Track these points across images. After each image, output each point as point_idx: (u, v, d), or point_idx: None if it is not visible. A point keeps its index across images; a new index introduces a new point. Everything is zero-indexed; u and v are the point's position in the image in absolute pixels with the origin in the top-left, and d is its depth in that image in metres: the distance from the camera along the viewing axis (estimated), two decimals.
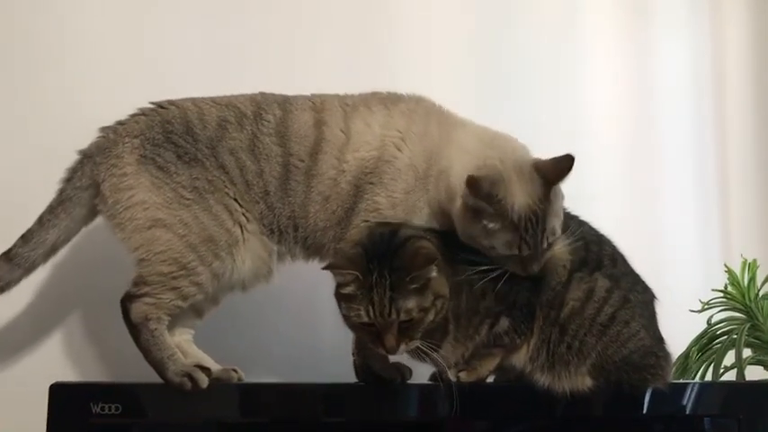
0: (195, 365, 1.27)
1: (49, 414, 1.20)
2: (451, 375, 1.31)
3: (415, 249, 1.24)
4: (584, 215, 1.41)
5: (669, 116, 2.08)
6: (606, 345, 1.31)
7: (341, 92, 1.42)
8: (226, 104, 1.38)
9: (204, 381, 1.24)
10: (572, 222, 1.36)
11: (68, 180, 1.36)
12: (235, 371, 1.35)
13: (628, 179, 2.02)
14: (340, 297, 1.25)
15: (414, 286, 1.21)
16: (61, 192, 1.36)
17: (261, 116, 1.36)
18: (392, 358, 1.29)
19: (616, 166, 2.01)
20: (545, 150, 1.87)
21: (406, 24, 1.91)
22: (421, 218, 1.34)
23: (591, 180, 1.94)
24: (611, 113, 2.03)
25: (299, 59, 1.76)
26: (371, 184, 1.33)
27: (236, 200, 1.32)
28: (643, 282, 1.39)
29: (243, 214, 1.32)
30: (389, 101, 1.39)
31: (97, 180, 1.32)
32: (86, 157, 1.35)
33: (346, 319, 1.25)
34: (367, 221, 1.32)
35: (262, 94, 1.41)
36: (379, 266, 1.22)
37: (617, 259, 1.37)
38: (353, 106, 1.38)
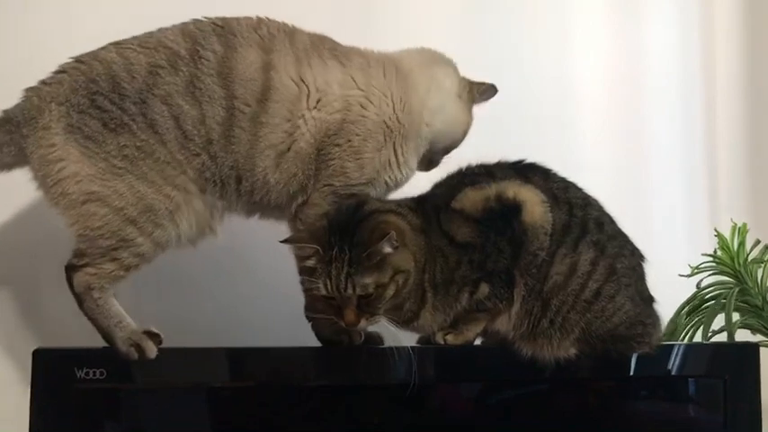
0: (144, 332, 1.24)
1: (32, 379, 1.20)
2: (438, 339, 1.31)
3: (375, 224, 1.24)
4: (572, 179, 1.40)
5: (657, 81, 2.07)
6: (590, 320, 1.30)
7: None
8: (155, 47, 1.26)
9: (152, 350, 1.22)
10: (555, 185, 1.35)
11: None
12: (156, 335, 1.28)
13: (616, 145, 2.01)
14: (303, 270, 1.25)
15: (370, 262, 1.21)
16: None
17: (198, 54, 1.25)
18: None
19: (604, 131, 2.01)
20: (533, 122, 1.90)
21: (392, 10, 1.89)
22: (392, 173, 1.34)
23: (578, 146, 1.95)
24: (599, 78, 2.02)
25: None
26: (337, 146, 1.30)
27: (169, 163, 1.24)
28: (631, 244, 1.38)
29: (179, 175, 1.24)
30: (343, 56, 1.34)
31: (26, 152, 1.25)
32: (12, 123, 1.25)
33: (308, 291, 1.26)
34: (331, 185, 1.30)
35: (195, 22, 1.29)
36: (339, 241, 1.22)
37: (603, 222, 1.35)
38: (305, 52, 1.30)
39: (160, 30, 1.29)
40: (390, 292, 1.23)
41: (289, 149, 1.28)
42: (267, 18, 1.32)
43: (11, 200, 1.51)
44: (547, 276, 1.30)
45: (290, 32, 1.32)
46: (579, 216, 1.34)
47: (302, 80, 1.29)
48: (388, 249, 1.22)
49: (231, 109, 1.26)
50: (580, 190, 1.38)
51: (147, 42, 1.27)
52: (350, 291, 1.21)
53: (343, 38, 1.72)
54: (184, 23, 1.29)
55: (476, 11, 1.94)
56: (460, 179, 1.36)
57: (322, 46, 1.34)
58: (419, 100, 1.36)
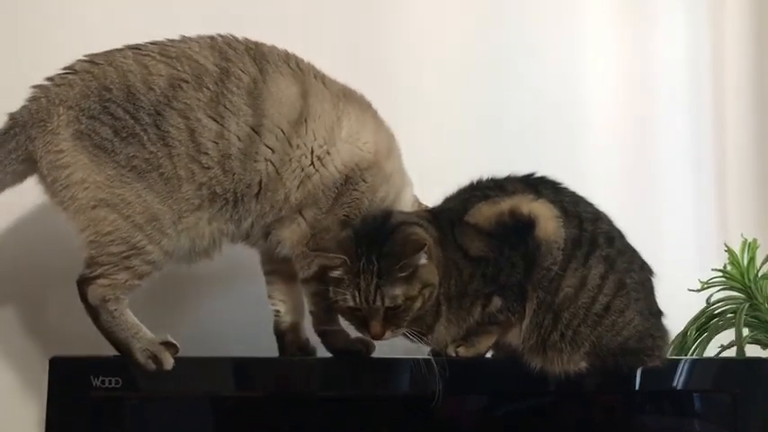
0: (162, 343, 1.24)
1: (49, 387, 1.20)
2: (450, 351, 1.32)
3: (405, 236, 1.25)
4: (582, 193, 1.41)
5: (666, 95, 2.08)
6: (601, 334, 1.31)
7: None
8: (177, 57, 1.24)
9: (169, 361, 1.21)
10: (566, 198, 1.36)
11: (0, 144, 1.24)
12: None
13: (625, 159, 2.02)
14: (328, 280, 1.26)
15: (402, 274, 1.22)
16: None
17: (229, 72, 1.25)
18: None
19: (613, 145, 2.02)
20: (542, 137, 1.91)
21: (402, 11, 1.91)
22: None
23: (587, 160, 1.95)
24: (608, 92, 2.03)
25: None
26: (364, 181, 1.33)
27: (170, 179, 1.22)
28: (640, 258, 1.39)
29: (176, 192, 1.22)
30: (376, 114, 1.40)
31: (34, 156, 1.22)
32: (20, 126, 1.23)
33: (334, 302, 1.26)
34: (347, 216, 1.32)
35: (224, 38, 1.28)
36: (367, 252, 1.22)
37: (613, 237, 1.36)
38: (343, 97, 1.35)
39: (182, 39, 1.27)
40: (418, 304, 1.24)
41: (317, 172, 1.30)
42: (294, 54, 1.33)
43: (23, 207, 1.52)
44: (558, 289, 1.30)
45: (321, 75, 1.35)
46: (589, 230, 1.34)
47: (340, 118, 1.32)
48: (423, 261, 1.23)
49: (258, 127, 1.26)
50: (590, 204, 1.39)
51: (169, 51, 1.25)
52: (378, 302, 1.21)
53: (350, 37, 1.75)
54: (211, 37, 1.28)
55: (485, 14, 1.96)
56: (471, 192, 1.37)
57: (358, 98, 1.38)
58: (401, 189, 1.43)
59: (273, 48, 1.32)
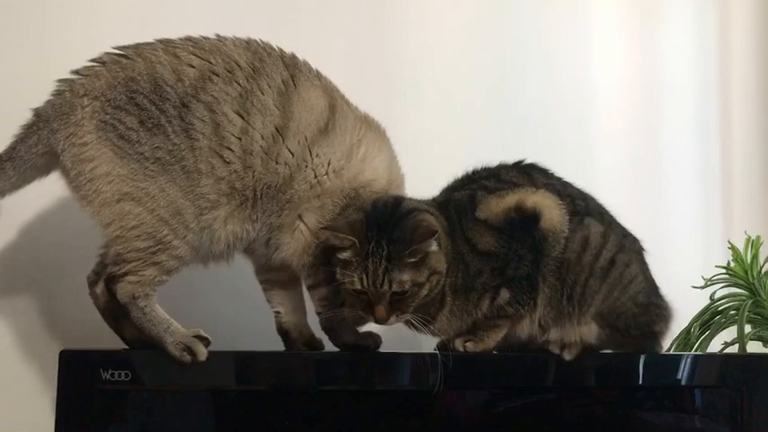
0: (195, 336, 1.24)
1: (59, 380, 1.21)
2: (458, 345, 1.32)
3: (417, 222, 1.24)
4: (588, 191, 1.41)
5: (672, 94, 2.09)
6: (611, 287, 1.32)
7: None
8: (211, 50, 1.25)
9: (203, 353, 1.22)
10: (556, 182, 1.38)
11: (22, 140, 1.24)
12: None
13: (631, 157, 2.03)
14: (336, 261, 1.25)
15: (411, 260, 1.22)
16: (12, 149, 1.24)
17: (263, 71, 1.26)
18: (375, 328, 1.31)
19: (620, 143, 2.02)
20: (550, 132, 1.92)
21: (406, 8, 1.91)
22: None
23: (594, 157, 1.96)
24: (616, 92, 2.04)
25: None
26: (376, 193, 1.34)
27: (190, 172, 1.22)
28: (631, 234, 1.40)
29: (196, 187, 1.22)
30: (392, 148, 1.40)
31: (56, 149, 1.21)
32: (43, 120, 1.23)
33: (341, 284, 1.26)
34: None
35: (261, 41, 1.29)
36: (377, 236, 1.22)
37: (603, 213, 1.38)
38: (365, 122, 1.36)
39: (217, 37, 1.28)
40: (425, 291, 1.24)
41: (330, 181, 1.30)
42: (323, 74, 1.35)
43: (34, 201, 1.52)
44: (563, 261, 1.31)
45: (345, 98, 1.36)
46: (582, 206, 1.36)
47: (360, 138, 1.33)
48: (433, 248, 1.23)
49: (284, 129, 1.26)
50: (576, 188, 1.40)
51: (202, 45, 1.26)
52: (386, 286, 1.21)
53: (352, 35, 1.74)
54: (248, 39, 1.29)
55: (497, 14, 1.96)
56: (469, 184, 1.37)
57: (376, 127, 1.39)
58: None
59: (305, 63, 1.33)
